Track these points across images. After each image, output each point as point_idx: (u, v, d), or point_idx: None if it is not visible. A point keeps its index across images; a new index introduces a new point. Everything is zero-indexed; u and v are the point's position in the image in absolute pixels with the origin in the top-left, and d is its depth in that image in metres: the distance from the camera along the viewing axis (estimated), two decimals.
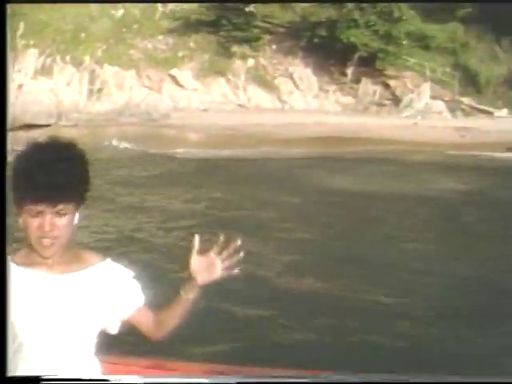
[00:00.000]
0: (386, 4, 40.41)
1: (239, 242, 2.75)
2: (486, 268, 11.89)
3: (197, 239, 2.77)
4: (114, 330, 2.81)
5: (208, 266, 2.74)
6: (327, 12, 40.81)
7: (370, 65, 42.20)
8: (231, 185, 21.06)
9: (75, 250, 2.72)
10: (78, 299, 2.64)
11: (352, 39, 40.38)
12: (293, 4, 43.65)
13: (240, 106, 41.08)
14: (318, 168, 25.35)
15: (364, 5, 40.39)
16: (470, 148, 29.91)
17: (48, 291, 2.58)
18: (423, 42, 42.70)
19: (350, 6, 40.38)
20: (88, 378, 2.53)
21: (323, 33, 40.95)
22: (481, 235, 14.60)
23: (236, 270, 2.77)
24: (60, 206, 2.51)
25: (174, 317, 2.84)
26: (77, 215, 2.61)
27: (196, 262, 2.75)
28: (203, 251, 2.77)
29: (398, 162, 26.49)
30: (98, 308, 2.69)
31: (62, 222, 2.54)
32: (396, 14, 40.48)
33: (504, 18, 42.37)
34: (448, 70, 42.50)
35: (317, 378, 8.25)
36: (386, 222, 16.03)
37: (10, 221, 2.55)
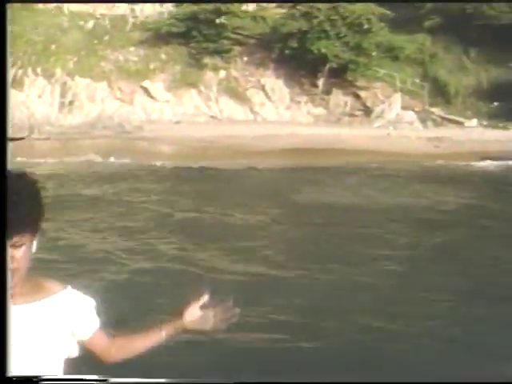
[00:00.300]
0: (356, 16, 40.91)
1: (231, 303, 2.99)
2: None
3: (206, 297, 3.01)
4: (74, 353, 2.85)
5: (202, 317, 2.96)
6: (298, 23, 41.12)
7: (341, 76, 42.63)
8: (204, 196, 21.21)
9: (36, 279, 2.71)
10: (41, 328, 2.66)
11: (323, 50, 40.75)
12: (264, 15, 43.98)
13: (212, 117, 41.18)
14: (292, 179, 25.61)
15: (335, 16, 40.90)
16: (444, 158, 30.39)
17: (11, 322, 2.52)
18: (392, 53, 43.32)
19: (321, 17, 40.80)
20: (87, 378, 2.55)
21: (294, 44, 41.28)
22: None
23: (227, 325, 2.99)
24: (15, 239, 2.48)
25: (143, 346, 2.97)
26: (34, 243, 2.59)
27: (194, 311, 2.97)
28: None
29: (375, 174, 26.86)
30: (61, 335, 2.72)
31: (18, 253, 2.51)
32: (366, 26, 40.96)
33: (471, 29, 43.31)
34: (417, 80, 43.11)
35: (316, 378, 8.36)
36: (363, 234, 15.92)
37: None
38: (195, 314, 2.96)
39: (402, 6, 44.40)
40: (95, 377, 2.56)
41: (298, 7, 41.45)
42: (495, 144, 34.42)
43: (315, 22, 40.83)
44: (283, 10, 43.45)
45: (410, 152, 31.94)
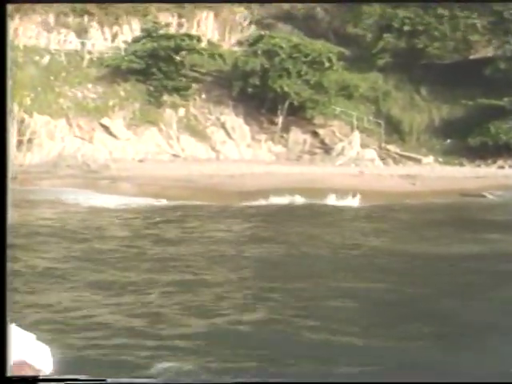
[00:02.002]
0: (317, 54, 41.93)
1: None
2: None
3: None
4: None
5: None
6: (259, 61, 41.78)
7: (298, 114, 43.51)
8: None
9: None
10: None
11: (285, 88, 41.52)
12: (222, 52, 44.49)
13: (175, 156, 41.19)
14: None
15: (296, 54, 41.81)
16: (427, 196, 31.46)
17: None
18: (347, 91, 44.53)
19: (283, 55, 41.64)
20: (86, 378, 2.56)
21: (256, 82, 41.83)
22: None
23: None
24: None
25: None
26: None
27: None
28: None
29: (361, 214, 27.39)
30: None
31: None
32: (327, 64, 42.03)
33: (418, 67, 45.21)
34: (372, 118, 44.49)
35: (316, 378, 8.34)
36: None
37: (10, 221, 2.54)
38: None
39: (355, 45, 45.97)
40: (93, 377, 2.58)
41: (259, 45, 42.13)
42: (467, 180, 36.00)
43: (277, 59, 41.58)
44: (243, 48, 44.05)
45: (390, 190, 32.79)
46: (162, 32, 44.04)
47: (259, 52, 41.94)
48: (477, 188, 34.41)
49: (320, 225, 24.22)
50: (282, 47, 41.71)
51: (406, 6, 44.44)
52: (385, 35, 44.99)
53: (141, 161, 39.98)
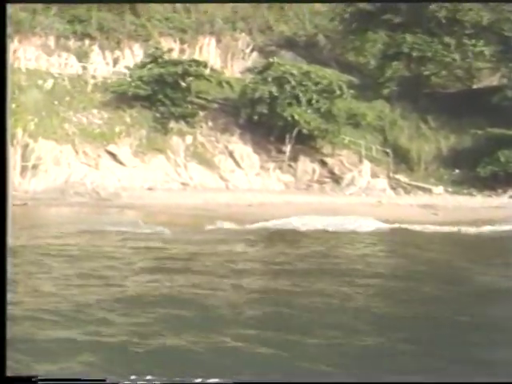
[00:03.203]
0: (327, 81, 42.23)
1: None
2: None
3: None
4: None
5: None
6: (268, 88, 41.89)
7: (307, 143, 43.68)
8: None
9: None
10: None
11: (296, 117, 41.66)
12: (229, 79, 44.64)
13: (183, 184, 40.99)
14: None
15: (306, 82, 42.04)
16: (452, 225, 31.61)
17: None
18: (354, 120, 44.88)
19: (293, 82, 41.84)
20: (86, 377, 2.47)
21: (264, 109, 41.88)
22: None
23: None
24: None
25: None
26: None
27: None
28: None
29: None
30: None
31: None
32: (337, 92, 42.33)
33: (425, 96, 45.84)
34: (380, 148, 44.84)
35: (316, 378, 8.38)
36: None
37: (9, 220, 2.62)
38: None
39: (357, 73, 46.48)
40: (94, 377, 2.74)
41: (269, 72, 42.29)
42: (483, 210, 36.39)
43: (288, 87, 41.76)
44: (251, 76, 44.18)
45: (410, 219, 32.85)
46: (167, 57, 43.99)
47: (269, 79, 42.01)
48: (494, 218, 34.78)
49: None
50: (292, 74, 41.88)
51: (413, 32, 45.11)
52: (394, 63, 45.44)
53: (150, 189, 39.69)
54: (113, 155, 40.86)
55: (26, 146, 39.43)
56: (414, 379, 9.20)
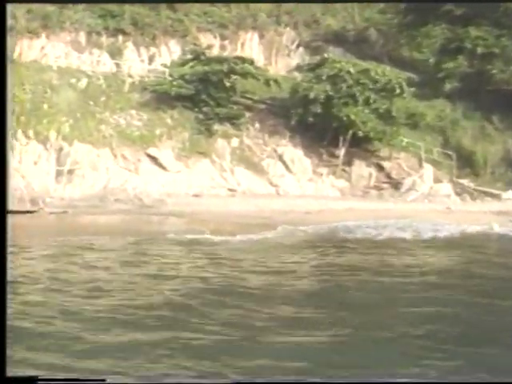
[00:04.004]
0: (386, 79, 40.54)
1: None
2: None
3: None
4: None
5: None
6: (322, 87, 40.22)
7: (361, 145, 42.00)
8: None
9: None
10: None
11: (352, 117, 39.98)
12: (278, 78, 43.04)
13: (231, 190, 39.30)
14: None
15: (364, 80, 40.36)
16: None
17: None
18: (412, 120, 43.12)
19: (350, 80, 40.18)
20: (85, 377, 2.75)
21: (318, 110, 40.20)
22: None
23: None
24: None
25: None
26: None
27: None
28: None
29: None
30: None
31: None
32: (398, 91, 40.63)
33: (488, 93, 43.86)
34: (442, 150, 43.03)
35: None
36: None
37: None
38: None
39: (411, 70, 44.57)
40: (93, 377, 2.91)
41: (324, 69, 40.63)
42: None
43: (344, 85, 40.08)
44: (304, 74, 42.54)
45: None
46: (210, 54, 42.44)
47: (323, 77, 40.34)
48: None
49: None
50: (349, 72, 40.23)
51: (477, 25, 43.32)
52: (455, 59, 43.60)
53: (196, 195, 38.06)
54: (154, 159, 39.25)
55: (61, 149, 37.91)
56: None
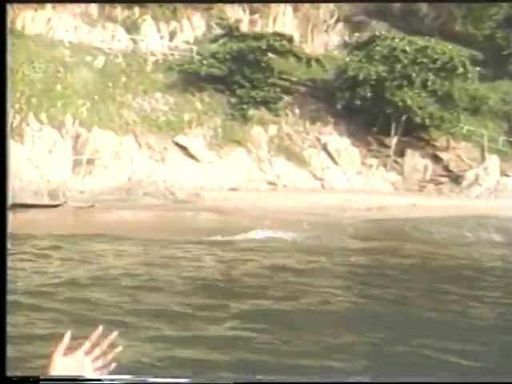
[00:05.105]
0: (447, 58, 38.07)
1: (115, 335, 2.73)
2: None
3: (67, 336, 2.72)
4: None
5: (75, 368, 2.68)
6: (375, 68, 37.72)
7: (415, 134, 39.61)
8: None
9: None
10: None
11: (408, 102, 37.49)
12: (320, 57, 40.48)
13: (270, 183, 36.74)
14: None
15: (421, 59, 37.90)
16: None
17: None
18: (472, 105, 40.67)
19: (405, 60, 37.70)
20: (85, 377, 2.62)
21: (367, 93, 37.73)
22: None
23: (111, 367, 2.72)
24: None
25: None
26: None
27: (60, 363, 2.67)
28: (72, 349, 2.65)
29: None
30: None
31: None
32: (460, 70, 38.15)
33: None
34: (508, 138, 40.68)
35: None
36: None
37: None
38: (66, 368, 2.64)
39: (467, 47, 42.08)
40: (92, 376, 2.67)
41: (377, 48, 38.11)
42: None
43: (399, 66, 37.60)
44: (351, 53, 40.04)
45: None
46: (244, 30, 39.90)
47: (376, 57, 37.85)
48: None
49: None
50: (404, 51, 37.76)
51: None
52: None
53: (233, 189, 35.53)
54: (183, 148, 36.65)
55: (78, 136, 35.22)
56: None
